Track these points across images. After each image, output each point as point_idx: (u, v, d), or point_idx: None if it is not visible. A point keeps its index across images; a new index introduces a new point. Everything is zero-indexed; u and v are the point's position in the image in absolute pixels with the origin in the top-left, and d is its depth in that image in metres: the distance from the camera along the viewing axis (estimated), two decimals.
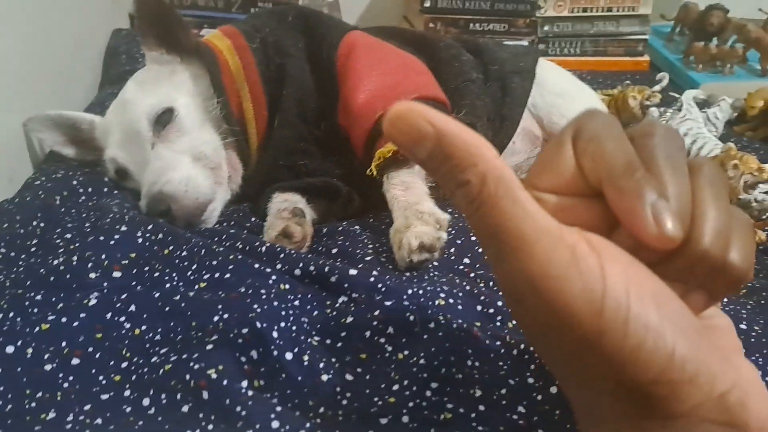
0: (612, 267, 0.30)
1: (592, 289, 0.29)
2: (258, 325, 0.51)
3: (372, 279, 0.58)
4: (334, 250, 0.68)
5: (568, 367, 0.33)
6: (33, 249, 0.65)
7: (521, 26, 1.63)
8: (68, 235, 0.66)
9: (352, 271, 0.59)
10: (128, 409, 0.47)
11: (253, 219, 0.77)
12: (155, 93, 0.77)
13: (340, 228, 0.73)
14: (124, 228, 0.63)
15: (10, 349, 0.50)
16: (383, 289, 0.57)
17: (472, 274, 0.66)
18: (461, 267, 0.67)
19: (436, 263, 0.66)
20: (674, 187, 0.31)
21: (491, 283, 0.64)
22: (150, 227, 0.64)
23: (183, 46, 0.80)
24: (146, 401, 0.47)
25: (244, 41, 0.79)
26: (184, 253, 0.61)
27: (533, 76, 1.01)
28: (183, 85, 0.78)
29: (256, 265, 0.59)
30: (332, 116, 0.80)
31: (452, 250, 0.69)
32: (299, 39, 0.82)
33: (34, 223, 0.69)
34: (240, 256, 0.60)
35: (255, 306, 0.53)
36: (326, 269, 0.59)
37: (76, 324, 0.53)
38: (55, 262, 0.61)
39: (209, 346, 0.49)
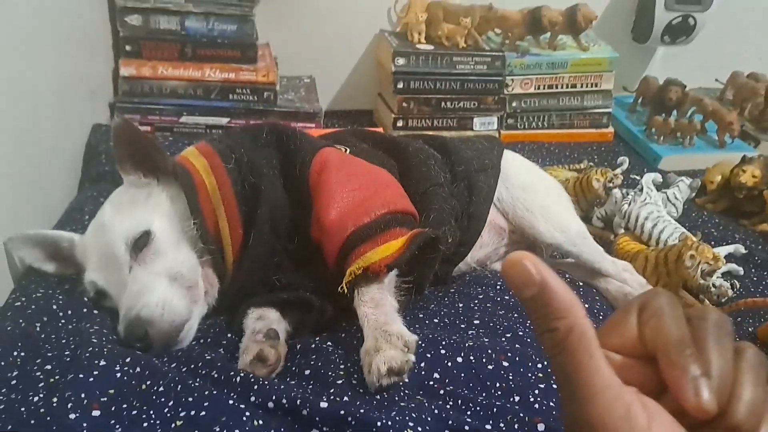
0: (658, 427, 0.36)
1: None
2: None
3: (342, 412, 0.60)
4: (307, 372, 0.71)
5: None
6: (13, 382, 0.67)
7: (490, 103, 1.70)
8: (48, 366, 0.68)
9: (323, 404, 0.61)
10: None
11: (229, 335, 0.79)
12: (132, 216, 0.80)
13: (313, 345, 0.76)
14: (102, 362, 0.65)
15: None
16: (353, 423, 0.59)
17: (441, 391, 0.69)
18: (431, 383, 0.70)
19: (407, 379, 0.69)
20: (717, 368, 0.38)
21: (459, 401, 0.67)
22: (128, 360, 0.66)
23: (160, 168, 0.83)
24: None
25: (220, 161, 0.83)
26: (161, 389, 0.63)
27: (498, 171, 1.06)
28: (159, 207, 0.81)
29: (231, 401, 0.61)
30: (305, 229, 0.84)
31: (423, 364, 0.72)
32: (273, 156, 0.86)
33: (15, 353, 0.71)
34: (215, 391, 0.62)
35: None
36: (298, 402, 0.62)
37: None
38: (35, 399, 0.62)
39: None
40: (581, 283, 1.05)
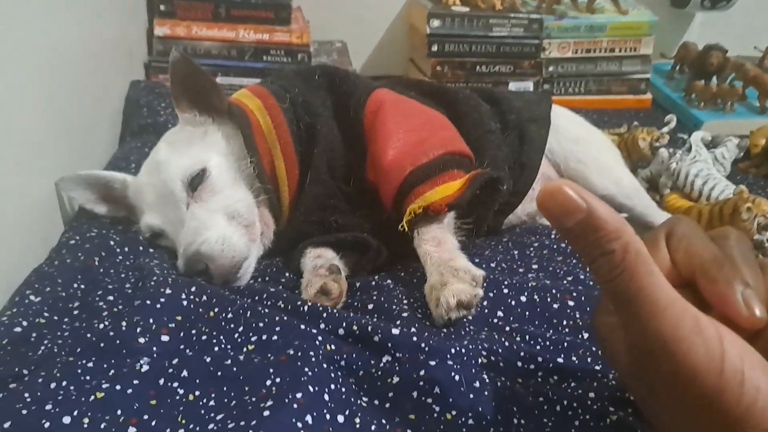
0: (728, 337, 0.36)
1: (713, 354, 0.35)
2: (310, 389, 0.53)
3: (415, 338, 0.59)
4: (370, 306, 0.69)
5: (682, 420, 0.38)
6: (76, 312, 0.66)
7: (526, 68, 1.67)
8: (110, 297, 0.68)
9: (395, 331, 0.60)
10: None
11: (287, 274, 0.78)
12: (188, 154, 0.79)
13: (373, 282, 0.74)
14: (168, 291, 0.64)
15: (66, 420, 0.51)
16: (427, 349, 0.58)
17: (507, 328, 0.67)
18: (496, 321, 0.68)
19: (470, 318, 0.67)
20: (752, 280, 0.38)
21: (527, 337, 0.66)
22: (193, 289, 0.65)
23: (215, 107, 0.82)
24: None
25: (275, 101, 0.82)
26: (230, 315, 0.62)
27: (548, 123, 1.03)
28: (216, 145, 0.80)
29: (302, 326, 0.60)
30: (360, 171, 0.82)
31: (485, 303, 0.70)
32: (326, 98, 0.85)
33: (75, 285, 0.70)
34: (285, 317, 0.61)
35: (306, 369, 0.54)
36: (369, 328, 0.60)
37: (130, 391, 0.53)
38: (101, 326, 0.61)
39: (266, 413, 0.50)
40: None
